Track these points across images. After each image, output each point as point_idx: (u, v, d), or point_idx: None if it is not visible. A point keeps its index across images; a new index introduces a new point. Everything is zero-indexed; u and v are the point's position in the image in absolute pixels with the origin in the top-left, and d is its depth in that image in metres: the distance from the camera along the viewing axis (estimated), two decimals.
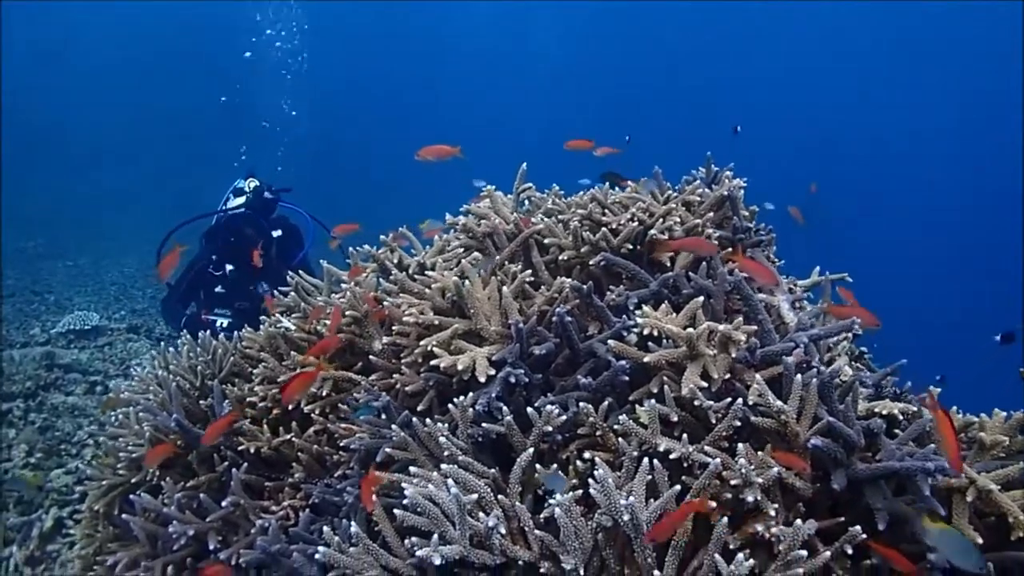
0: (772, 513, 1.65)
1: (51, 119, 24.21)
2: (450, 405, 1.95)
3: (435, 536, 1.63)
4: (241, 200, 4.55)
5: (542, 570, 1.73)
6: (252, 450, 2.33)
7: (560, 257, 2.31)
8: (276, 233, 4.46)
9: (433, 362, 2.04)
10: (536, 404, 1.93)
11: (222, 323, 4.28)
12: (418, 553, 1.62)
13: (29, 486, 2.72)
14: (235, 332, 2.81)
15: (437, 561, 1.60)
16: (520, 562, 1.75)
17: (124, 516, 2.29)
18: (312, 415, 2.32)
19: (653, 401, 1.77)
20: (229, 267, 4.34)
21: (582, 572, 1.67)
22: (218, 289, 4.39)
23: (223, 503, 2.18)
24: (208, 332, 2.80)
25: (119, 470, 2.50)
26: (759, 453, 1.73)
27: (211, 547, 2.17)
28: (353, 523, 1.74)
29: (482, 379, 1.99)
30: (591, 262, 2.24)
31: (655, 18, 25.43)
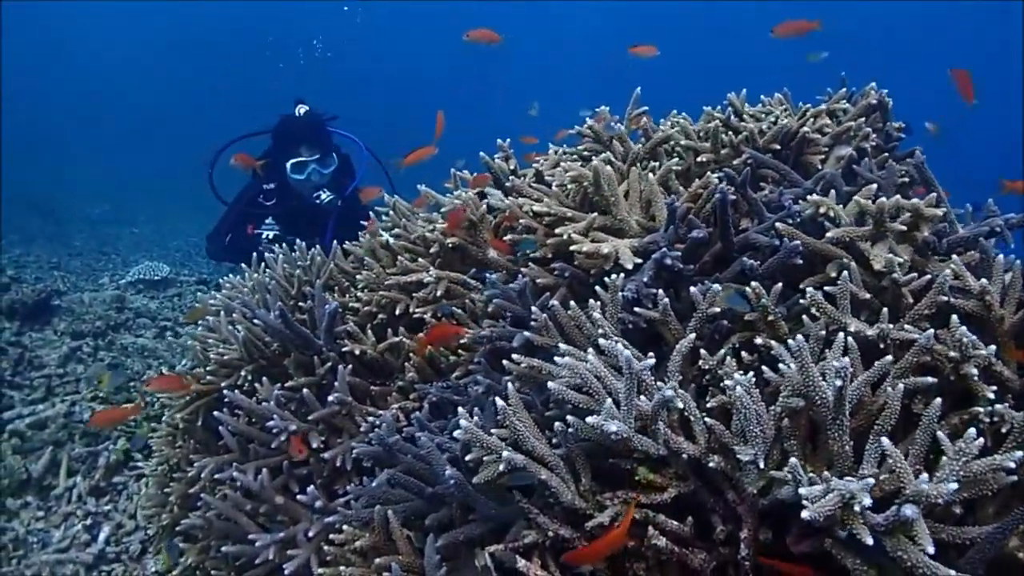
0: (991, 396, 1.34)
1: (116, 92, 23.94)
2: (597, 288, 1.65)
3: (608, 402, 1.32)
4: None
5: (711, 464, 1.42)
6: (357, 352, 2.03)
7: (698, 159, 2.02)
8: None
9: (573, 247, 1.75)
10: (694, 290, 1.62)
11: (268, 235, 3.86)
12: (589, 420, 1.31)
13: (100, 384, 2.44)
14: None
15: (613, 428, 1.29)
16: (684, 456, 1.43)
17: (215, 414, 1.98)
18: (424, 318, 2.02)
19: (846, 274, 1.47)
20: (296, 160, 3.85)
21: (762, 464, 1.36)
22: (268, 221, 3.95)
23: (330, 398, 1.88)
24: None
25: (206, 377, 2.20)
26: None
27: (314, 446, 1.87)
28: (499, 400, 1.43)
29: (629, 266, 1.69)
30: (737, 161, 1.95)
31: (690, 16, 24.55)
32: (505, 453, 1.36)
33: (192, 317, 2.44)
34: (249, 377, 2.12)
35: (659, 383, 1.49)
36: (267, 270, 2.36)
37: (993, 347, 1.36)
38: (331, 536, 1.60)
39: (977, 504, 1.33)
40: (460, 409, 1.49)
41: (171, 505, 2.26)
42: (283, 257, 2.40)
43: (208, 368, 2.19)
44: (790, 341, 1.36)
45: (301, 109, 3.98)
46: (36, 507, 2.76)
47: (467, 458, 1.44)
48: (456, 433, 1.44)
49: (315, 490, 1.75)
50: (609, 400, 1.32)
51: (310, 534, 1.72)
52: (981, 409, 1.33)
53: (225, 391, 1.99)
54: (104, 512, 2.73)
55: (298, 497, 1.77)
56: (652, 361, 1.40)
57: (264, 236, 3.85)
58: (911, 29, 22.14)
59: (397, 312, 2.09)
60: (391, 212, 2.49)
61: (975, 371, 1.32)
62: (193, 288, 4.91)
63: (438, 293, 2.02)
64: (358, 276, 2.25)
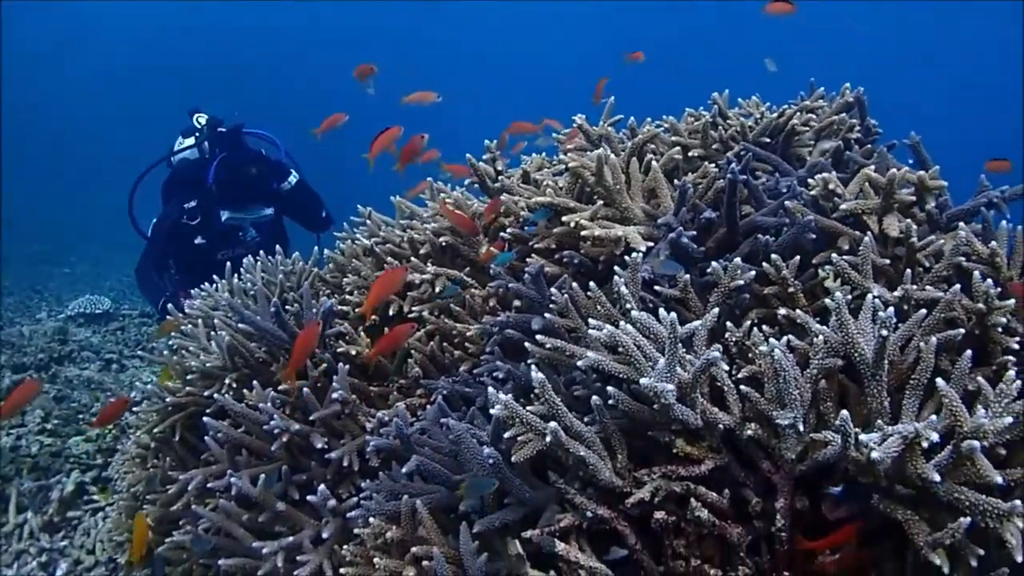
0: (1015, 346, 1.35)
1: (55, 125, 22.28)
2: (616, 268, 1.60)
3: (661, 362, 1.27)
4: (191, 140, 3.79)
5: (747, 432, 1.38)
6: (353, 353, 1.92)
7: (688, 155, 2.02)
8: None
9: (584, 233, 1.71)
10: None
11: None
12: (642, 381, 1.25)
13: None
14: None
15: (670, 387, 1.24)
16: (719, 427, 1.39)
17: (206, 420, 1.82)
18: (422, 315, 1.93)
19: (867, 240, 1.47)
20: (226, 214, 3.65)
21: (802, 428, 1.33)
22: (198, 240, 3.69)
23: (333, 396, 1.75)
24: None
25: (186, 388, 2.04)
26: None
27: (318, 446, 1.73)
28: (535, 371, 1.35)
29: (641, 249, 1.66)
30: (730, 154, 1.95)
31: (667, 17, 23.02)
32: (552, 424, 1.28)
33: (164, 331, 2.27)
34: (234, 385, 1.98)
35: (689, 356, 1.45)
36: (247, 275, 2.22)
37: (1012, 301, 1.38)
38: (356, 531, 1.47)
39: (1010, 449, 1.32)
40: (490, 389, 1.41)
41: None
42: (261, 264, 2.27)
43: (188, 378, 2.03)
44: (827, 300, 1.34)
45: (200, 119, 3.77)
46: None
47: (505, 435, 1.36)
48: (494, 410, 1.35)
49: (326, 490, 1.62)
50: (662, 360, 1.27)
51: (324, 535, 1.58)
52: (1010, 358, 1.33)
53: (216, 396, 1.83)
54: (60, 548, 2.48)
55: (308, 498, 1.62)
56: (696, 323, 1.36)
57: None
58: (911, 29, 21.60)
59: (391, 313, 2.00)
60: (368, 222, 2.41)
61: (1003, 320, 1.32)
62: (136, 322, 4.62)
63: (437, 289, 1.94)
64: (345, 280, 2.15)
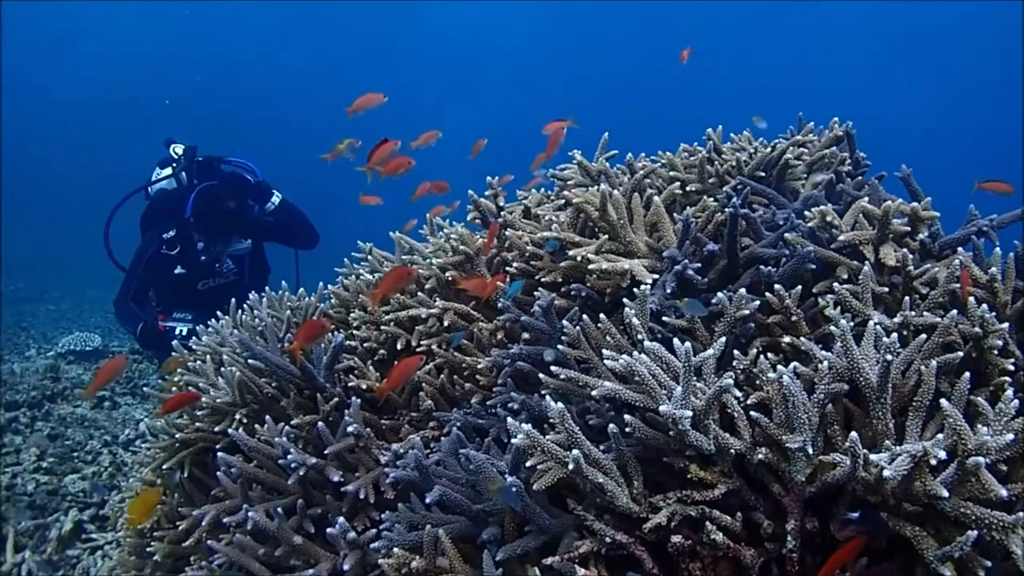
0: (1011, 368, 1.42)
1: (41, 159, 22.00)
2: (625, 300, 1.66)
3: (678, 390, 1.32)
4: (169, 171, 3.84)
5: (758, 456, 1.43)
6: (363, 387, 1.95)
7: (686, 189, 2.10)
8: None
9: (592, 267, 1.77)
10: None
11: (182, 330, 3.61)
12: (661, 408, 1.30)
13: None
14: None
15: (688, 414, 1.29)
16: (731, 451, 1.44)
17: (220, 455, 1.84)
18: (431, 348, 1.98)
19: (866, 269, 1.54)
20: (200, 247, 3.73)
21: (811, 451, 1.38)
22: (178, 270, 3.73)
23: (348, 429, 1.79)
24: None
25: (195, 424, 2.06)
26: None
27: (334, 479, 1.76)
28: (552, 401, 1.40)
29: (648, 281, 1.72)
30: (727, 188, 2.03)
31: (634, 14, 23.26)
32: (575, 453, 1.33)
33: (170, 367, 2.29)
34: (244, 421, 2.00)
35: (698, 384, 1.50)
36: (254, 311, 2.25)
37: (1006, 324, 1.45)
38: (380, 562, 1.50)
39: (1011, 465, 1.38)
40: (510, 420, 1.46)
41: (154, 566, 2.07)
42: (267, 299, 2.31)
43: (199, 413, 2.05)
44: (832, 328, 1.41)
45: (176, 149, 3.82)
46: None
47: (527, 464, 1.40)
48: (515, 440, 1.40)
49: (345, 522, 1.64)
50: (678, 388, 1.32)
51: (345, 567, 1.60)
52: (1007, 379, 1.40)
53: (230, 431, 1.86)
54: None
55: (327, 531, 1.65)
56: (708, 352, 1.42)
57: (177, 331, 3.63)
58: (911, 29, 21.45)
59: (399, 347, 2.04)
60: (369, 257, 2.46)
61: (999, 343, 1.40)
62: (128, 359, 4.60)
63: (445, 323, 1.98)
64: (351, 316, 2.19)
